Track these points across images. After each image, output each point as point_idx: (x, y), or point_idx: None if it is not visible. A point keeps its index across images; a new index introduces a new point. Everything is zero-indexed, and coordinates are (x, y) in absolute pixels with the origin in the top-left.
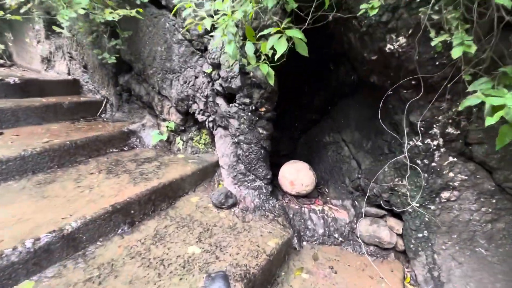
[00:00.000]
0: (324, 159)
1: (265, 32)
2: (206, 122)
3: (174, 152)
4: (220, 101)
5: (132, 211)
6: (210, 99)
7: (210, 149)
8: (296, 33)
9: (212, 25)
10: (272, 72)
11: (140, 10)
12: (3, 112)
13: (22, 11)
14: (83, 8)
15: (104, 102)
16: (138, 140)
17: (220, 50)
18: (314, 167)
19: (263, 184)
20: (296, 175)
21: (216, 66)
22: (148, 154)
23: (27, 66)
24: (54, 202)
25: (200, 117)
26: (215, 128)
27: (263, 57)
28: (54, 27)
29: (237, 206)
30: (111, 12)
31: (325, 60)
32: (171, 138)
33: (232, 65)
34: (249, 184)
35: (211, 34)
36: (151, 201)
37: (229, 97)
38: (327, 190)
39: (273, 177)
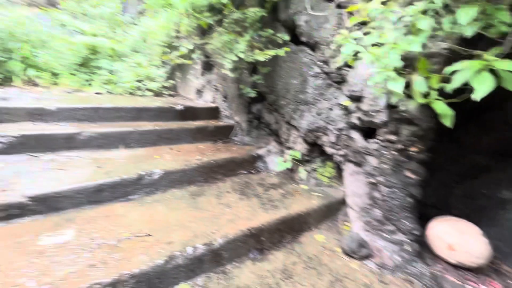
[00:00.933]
0: (500, 223)
1: (461, 66)
2: (335, 156)
3: (296, 181)
4: (355, 135)
5: (263, 238)
6: (344, 132)
7: (334, 183)
8: (509, 66)
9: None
10: (450, 113)
11: (287, 49)
12: (172, 132)
13: (193, 56)
14: (241, 52)
15: (236, 127)
16: (263, 165)
17: (363, 82)
18: (482, 230)
19: (407, 239)
20: (459, 238)
21: (356, 99)
22: (272, 180)
23: (186, 95)
24: (204, 214)
25: (329, 150)
26: (344, 163)
27: (432, 93)
28: (222, 69)
29: (371, 259)
30: (262, 54)
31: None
32: (294, 167)
33: (377, 99)
34: (387, 236)
35: (354, 58)
36: (279, 231)
37: (367, 131)
38: (509, 270)
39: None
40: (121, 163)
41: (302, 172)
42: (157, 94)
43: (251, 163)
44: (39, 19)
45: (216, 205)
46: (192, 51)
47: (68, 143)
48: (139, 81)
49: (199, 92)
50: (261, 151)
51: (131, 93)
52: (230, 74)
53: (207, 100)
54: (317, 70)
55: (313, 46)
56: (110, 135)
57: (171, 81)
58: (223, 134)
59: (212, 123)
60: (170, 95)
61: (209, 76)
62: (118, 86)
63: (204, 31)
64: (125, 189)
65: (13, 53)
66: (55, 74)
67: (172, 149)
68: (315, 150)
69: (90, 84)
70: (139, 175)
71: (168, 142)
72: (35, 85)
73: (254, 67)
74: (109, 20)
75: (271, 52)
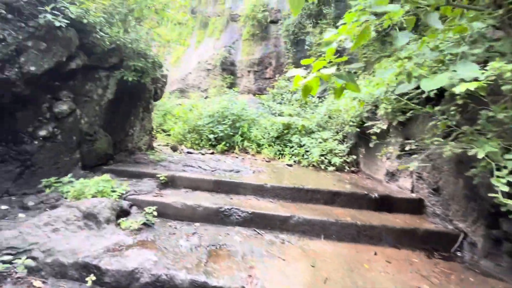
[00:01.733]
0: None
1: None
2: None
3: None
4: None
5: None
6: None
7: None
8: None
9: None
10: None
11: None
12: (374, 229)
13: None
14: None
15: (461, 238)
16: None
17: None
18: None
19: None
20: None
21: None
22: None
23: (371, 174)
24: None
25: None
26: None
27: None
28: (492, 196)
29: None
30: None
31: None
32: None
33: None
34: None
35: None
36: None
37: None
38: None
39: None
40: (332, 266)
41: None
42: (339, 169)
43: None
44: (252, 102)
45: None
46: (387, 131)
47: (282, 225)
48: (322, 155)
49: (391, 175)
50: None
51: (314, 166)
52: (504, 201)
53: (403, 186)
54: None
55: None
56: (314, 223)
57: (353, 156)
58: (438, 244)
59: (418, 222)
60: (352, 172)
61: (408, 160)
62: (304, 158)
63: (411, 117)
64: None
65: (238, 129)
66: (259, 145)
67: (377, 255)
68: None
69: (281, 154)
70: None
71: (368, 240)
72: (247, 152)
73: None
74: (299, 101)
75: None
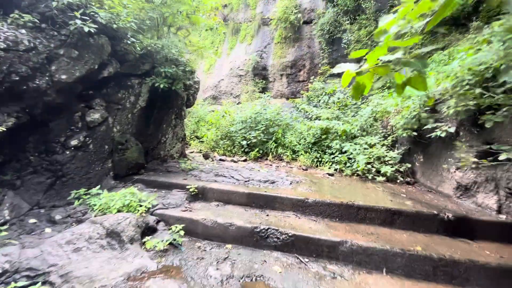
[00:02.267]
0: None
1: None
2: None
3: None
4: None
5: None
6: None
7: None
8: None
9: None
10: None
11: None
12: (457, 266)
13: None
14: None
15: None
16: None
17: None
18: None
19: None
20: None
21: None
22: None
23: (432, 186)
24: None
25: None
26: None
27: None
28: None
29: None
30: None
31: None
32: None
33: None
34: None
35: None
36: None
37: None
38: None
39: None
40: None
41: None
42: (390, 179)
43: None
44: (285, 107)
45: None
46: (455, 135)
47: (330, 252)
48: (369, 163)
49: (465, 189)
50: None
51: (359, 176)
52: None
53: (483, 204)
54: None
55: None
56: (372, 252)
57: (407, 165)
58: None
59: None
60: (407, 183)
61: (490, 172)
62: (347, 167)
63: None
64: None
65: (271, 135)
66: (294, 152)
67: None
68: None
69: (319, 162)
70: None
71: (450, 280)
72: (281, 160)
73: None
74: (338, 103)
75: None
